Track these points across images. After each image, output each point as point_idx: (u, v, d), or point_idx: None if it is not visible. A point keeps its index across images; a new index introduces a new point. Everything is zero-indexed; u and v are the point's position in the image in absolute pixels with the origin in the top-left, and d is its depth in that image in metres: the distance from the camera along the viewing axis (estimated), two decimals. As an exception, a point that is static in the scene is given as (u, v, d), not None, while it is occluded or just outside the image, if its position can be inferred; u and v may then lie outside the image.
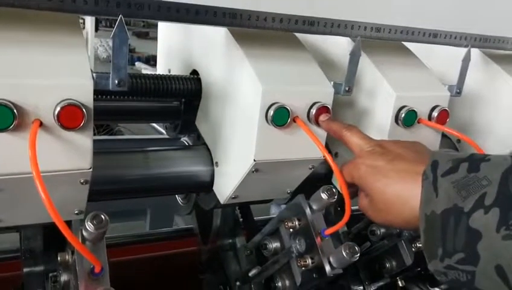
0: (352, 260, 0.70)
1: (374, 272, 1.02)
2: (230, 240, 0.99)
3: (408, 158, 0.59)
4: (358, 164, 0.64)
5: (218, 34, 0.77)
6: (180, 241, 1.19)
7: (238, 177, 0.75)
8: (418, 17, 0.78)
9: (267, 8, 0.66)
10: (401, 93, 0.79)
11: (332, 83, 0.74)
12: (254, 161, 0.70)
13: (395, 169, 0.58)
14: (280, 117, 0.68)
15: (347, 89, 0.75)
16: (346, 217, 0.67)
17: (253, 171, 0.72)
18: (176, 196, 1.05)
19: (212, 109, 0.83)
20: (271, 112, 0.67)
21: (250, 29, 0.67)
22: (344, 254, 0.70)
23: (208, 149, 0.84)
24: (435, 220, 0.49)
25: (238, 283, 0.94)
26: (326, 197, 0.72)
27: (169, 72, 1.04)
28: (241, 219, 1.04)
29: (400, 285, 1.00)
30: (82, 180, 0.61)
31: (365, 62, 0.82)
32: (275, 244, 0.85)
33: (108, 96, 0.81)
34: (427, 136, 0.84)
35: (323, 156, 0.70)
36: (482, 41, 0.86)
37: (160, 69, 1.08)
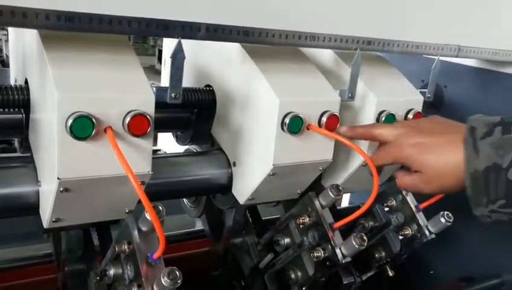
0: (175, 286, 0.63)
1: (282, 284, 0.96)
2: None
3: (443, 130, 0.69)
4: (401, 146, 0.71)
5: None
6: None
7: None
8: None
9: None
10: (285, 99, 0.76)
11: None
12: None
13: (438, 142, 0.67)
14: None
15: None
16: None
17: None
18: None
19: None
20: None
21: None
22: (164, 281, 0.63)
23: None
24: (479, 177, 0.60)
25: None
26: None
27: (16, 81, 0.95)
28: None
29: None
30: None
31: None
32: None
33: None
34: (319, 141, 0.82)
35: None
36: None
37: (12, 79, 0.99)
